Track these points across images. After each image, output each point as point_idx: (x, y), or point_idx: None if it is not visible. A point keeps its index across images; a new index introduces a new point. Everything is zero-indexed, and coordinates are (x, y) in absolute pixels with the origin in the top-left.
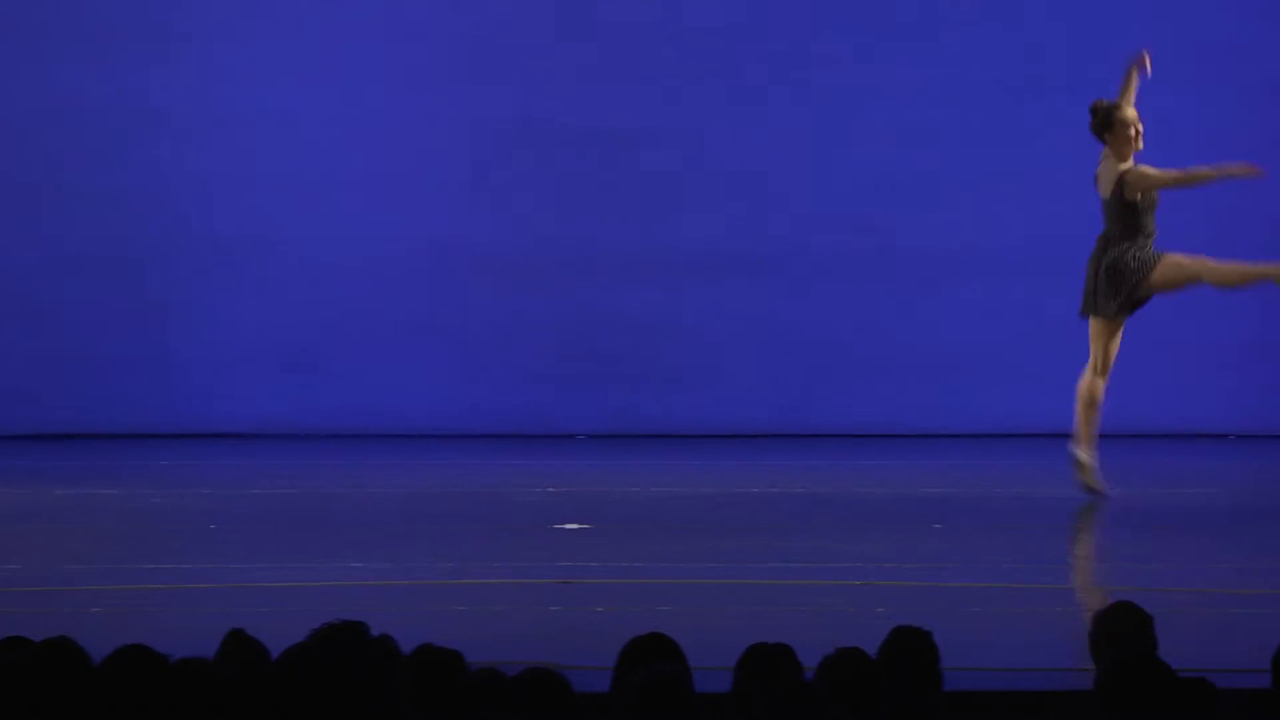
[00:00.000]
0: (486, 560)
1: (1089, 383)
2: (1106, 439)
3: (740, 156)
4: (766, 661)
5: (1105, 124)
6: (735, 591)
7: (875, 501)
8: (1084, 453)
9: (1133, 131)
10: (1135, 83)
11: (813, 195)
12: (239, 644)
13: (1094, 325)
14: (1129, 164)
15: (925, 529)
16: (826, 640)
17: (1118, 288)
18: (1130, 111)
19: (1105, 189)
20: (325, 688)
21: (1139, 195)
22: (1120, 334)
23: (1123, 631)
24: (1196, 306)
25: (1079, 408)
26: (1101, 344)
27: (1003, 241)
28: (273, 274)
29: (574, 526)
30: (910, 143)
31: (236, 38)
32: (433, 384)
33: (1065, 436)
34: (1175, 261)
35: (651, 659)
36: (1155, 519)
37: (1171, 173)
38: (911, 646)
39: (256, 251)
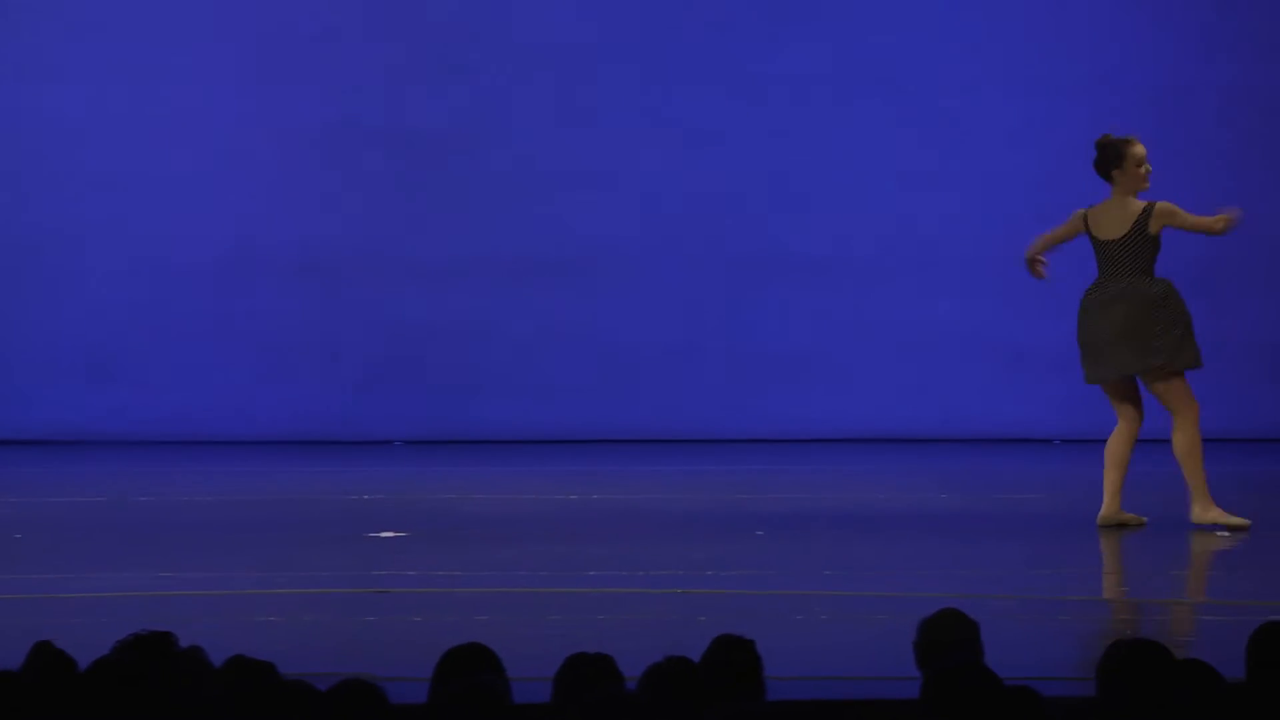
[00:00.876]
0: (300, 569)
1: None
2: (930, 444)
3: (551, 158)
4: (587, 671)
5: (1115, 160)
6: (554, 600)
7: (694, 508)
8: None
9: (1144, 170)
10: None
11: (624, 197)
12: (45, 656)
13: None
14: (1149, 201)
15: (747, 535)
16: (648, 650)
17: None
18: (1140, 148)
19: (1116, 229)
20: (132, 700)
21: (1159, 231)
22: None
23: (948, 639)
24: (1021, 309)
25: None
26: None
27: (815, 245)
28: (73, 277)
29: (389, 535)
30: (720, 143)
31: (27, 35)
32: (241, 389)
33: (879, 441)
34: (1183, 391)
35: (469, 670)
36: (980, 524)
37: (1201, 217)
38: (734, 655)
39: (56, 254)
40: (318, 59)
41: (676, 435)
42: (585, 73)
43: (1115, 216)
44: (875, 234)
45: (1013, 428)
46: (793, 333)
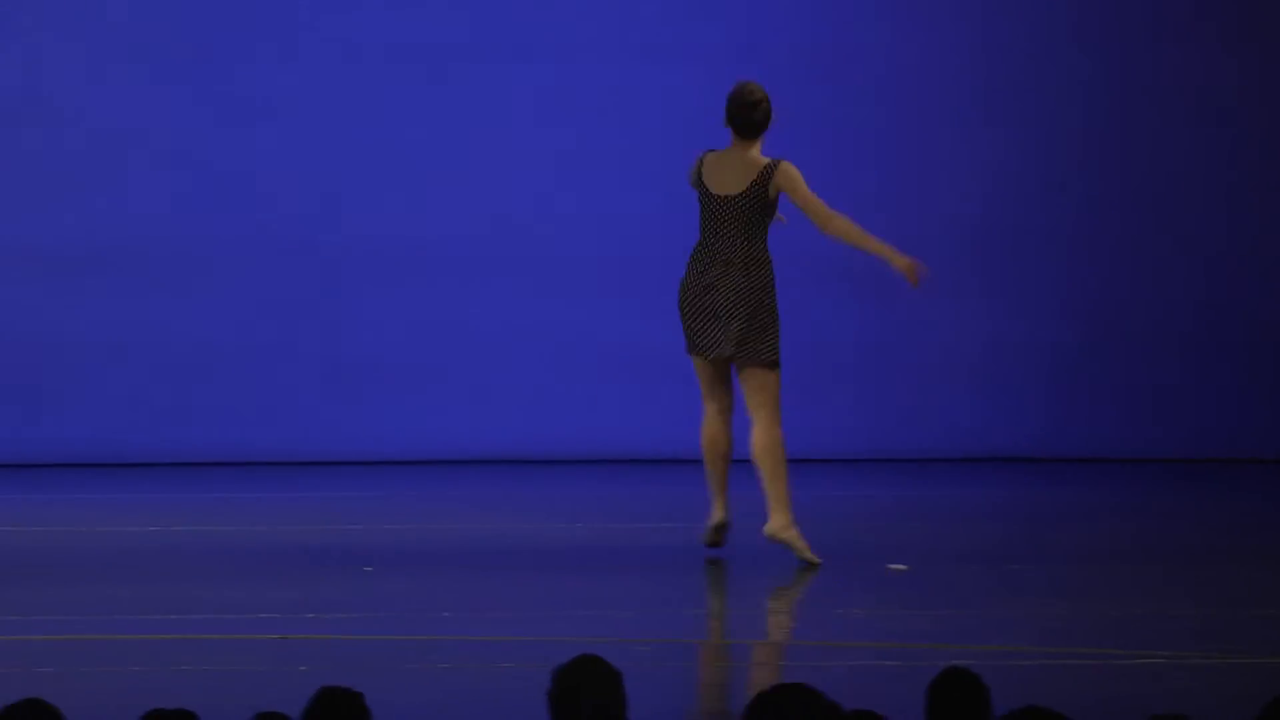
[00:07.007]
0: None
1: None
2: (563, 465)
3: (106, 132)
4: None
5: (769, 117)
6: (131, 648)
7: (292, 540)
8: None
9: None
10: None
11: (191, 179)
12: None
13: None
14: (774, 159)
15: (354, 572)
16: (240, 705)
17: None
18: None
19: (738, 183)
20: None
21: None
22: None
23: (587, 690)
24: (652, 310)
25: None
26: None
27: (417, 234)
28: None
29: None
30: (297, 119)
31: None
32: None
33: (504, 462)
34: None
35: None
36: (617, 558)
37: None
38: (340, 710)
39: None
40: None
41: (269, 456)
42: (139, 39)
43: (739, 171)
44: (482, 223)
45: (652, 448)
46: (401, 337)
